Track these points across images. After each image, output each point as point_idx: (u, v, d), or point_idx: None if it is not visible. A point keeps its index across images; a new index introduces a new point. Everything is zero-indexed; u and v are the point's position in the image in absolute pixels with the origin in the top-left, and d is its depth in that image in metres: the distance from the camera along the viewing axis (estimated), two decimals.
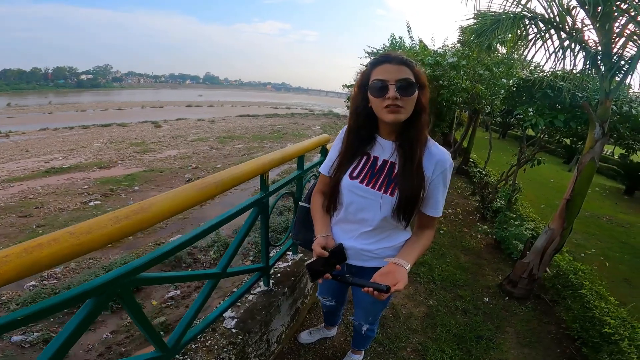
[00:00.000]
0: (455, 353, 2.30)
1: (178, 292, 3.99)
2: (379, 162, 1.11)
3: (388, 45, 9.77)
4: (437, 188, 1.09)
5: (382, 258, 1.19)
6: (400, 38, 9.60)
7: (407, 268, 1.05)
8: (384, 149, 1.10)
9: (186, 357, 1.25)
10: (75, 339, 0.73)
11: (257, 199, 1.29)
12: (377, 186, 1.09)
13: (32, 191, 8.05)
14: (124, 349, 2.99)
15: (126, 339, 3.12)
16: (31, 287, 3.97)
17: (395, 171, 1.08)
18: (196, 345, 1.31)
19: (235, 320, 1.45)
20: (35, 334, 3.08)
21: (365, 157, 1.13)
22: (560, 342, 2.62)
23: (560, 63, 2.71)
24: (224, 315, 1.47)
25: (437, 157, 1.07)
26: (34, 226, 6.06)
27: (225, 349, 1.31)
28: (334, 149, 1.22)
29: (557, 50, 2.69)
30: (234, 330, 1.41)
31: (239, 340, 1.37)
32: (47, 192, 8.03)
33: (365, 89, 1.03)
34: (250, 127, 20.68)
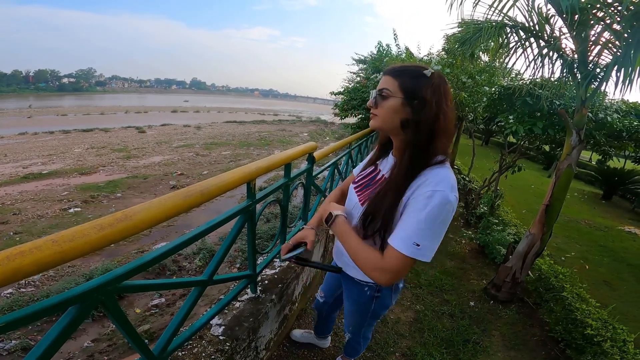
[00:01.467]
0: (444, 357, 2.34)
1: (163, 300, 3.93)
2: (379, 175, 1.13)
3: (375, 52, 9.93)
4: (405, 213, 0.92)
5: (355, 268, 1.17)
6: (387, 45, 9.78)
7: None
8: (387, 165, 1.12)
9: None
10: (56, 348, 0.71)
11: (244, 207, 1.29)
12: (361, 195, 1.12)
13: (9, 197, 7.79)
14: (106, 357, 2.93)
15: (108, 347, 3.06)
16: (8, 295, 3.88)
17: (372, 187, 1.10)
18: (183, 352, 1.29)
19: (223, 327, 1.43)
20: (13, 341, 3.02)
21: (373, 168, 1.18)
22: (544, 345, 2.68)
23: (539, 71, 2.80)
24: (211, 322, 1.44)
25: (422, 181, 0.92)
26: (11, 233, 5.87)
27: (212, 357, 1.29)
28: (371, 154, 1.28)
29: (536, 58, 2.78)
30: (221, 338, 1.39)
31: (227, 348, 1.35)
32: (25, 198, 7.77)
33: None
34: (237, 133, 20.57)
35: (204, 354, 1.31)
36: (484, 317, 2.93)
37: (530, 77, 3.05)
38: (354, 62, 11.65)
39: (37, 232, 5.92)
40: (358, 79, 10.28)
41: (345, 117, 9.40)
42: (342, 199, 1.31)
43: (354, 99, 8.27)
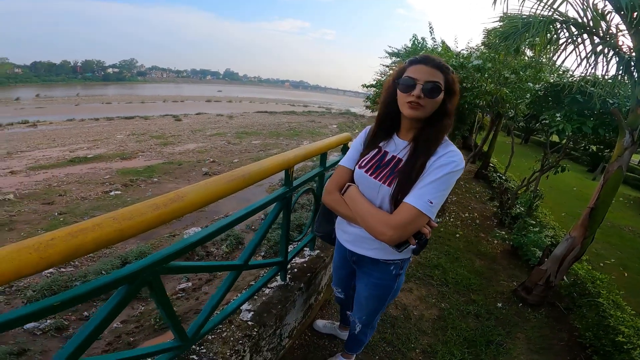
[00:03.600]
0: (465, 356, 2.30)
1: (189, 284, 4.04)
2: (387, 157, 1.17)
3: (410, 46, 9.66)
4: (423, 178, 1.04)
5: (379, 249, 1.24)
6: (423, 39, 9.48)
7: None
8: (397, 147, 1.17)
9: (202, 347, 1.28)
10: (106, 325, 0.77)
11: (281, 194, 1.32)
12: (379, 177, 1.14)
13: (56, 179, 8.32)
14: (132, 339, 3.03)
15: (135, 329, 3.17)
16: (48, 275, 4.03)
17: (399, 166, 1.12)
18: (212, 336, 1.34)
19: (252, 313, 1.48)
20: (47, 321, 3.12)
21: (376, 150, 1.21)
22: (570, 350, 2.59)
23: (592, 68, 2.66)
24: (240, 307, 1.49)
25: (441, 154, 1.05)
26: (56, 213, 6.22)
27: (240, 341, 1.34)
28: (354, 145, 1.30)
29: (589, 55, 2.63)
30: (250, 323, 1.43)
31: (254, 333, 1.39)
32: (71, 180, 8.29)
33: (397, 81, 1.09)
34: (267, 123, 20.85)
35: (232, 339, 1.35)
36: (511, 319, 2.85)
37: (581, 75, 2.86)
38: (387, 55, 11.40)
39: (80, 213, 6.28)
40: (391, 72, 10.04)
41: (376, 110, 9.25)
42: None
43: None
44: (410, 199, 1.02)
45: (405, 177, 1.06)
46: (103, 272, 4.05)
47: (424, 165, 1.05)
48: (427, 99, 1.02)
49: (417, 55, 1.13)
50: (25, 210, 6.34)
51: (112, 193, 7.48)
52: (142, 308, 3.48)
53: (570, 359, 2.51)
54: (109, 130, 16.72)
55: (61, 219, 6.00)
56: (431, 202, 1.01)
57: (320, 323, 2.22)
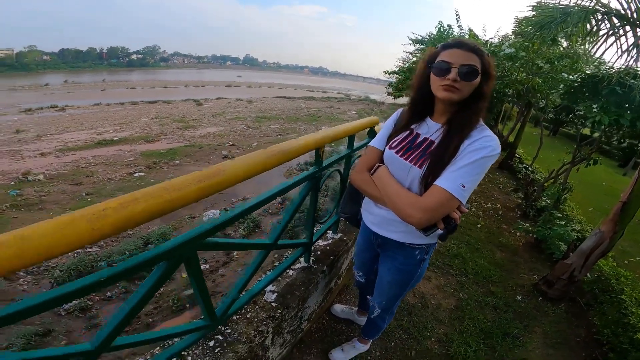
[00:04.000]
0: (480, 347, 2.29)
1: (207, 266, 4.10)
2: (419, 139, 1.16)
3: (435, 33, 9.35)
4: (456, 161, 1.02)
5: (405, 232, 1.23)
6: (449, 26, 9.15)
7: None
8: (429, 129, 1.15)
9: (227, 327, 1.30)
10: (147, 300, 0.80)
11: (312, 173, 1.32)
12: (409, 159, 1.13)
13: (84, 161, 8.67)
14: (151, 320, 3.13)
15: (154, 310, 3.26)
16: (75, 255, 4.12)
17: (431, 148, 1.10)
18: (237, 317, 1.36)
19: (276, 294, 1.51)
20: (73, 301, 3.14)
21: (407, 132, 1.20)
22: (587, 346, 2.55)
23: (633, 61, 2.58)
24: (264, 289, 1.51)
25: (477, 138, 1.03)
26: (84, 194, 6.50)
27: (264, 322, 1.36)
28: (385, 126, 1.29)
29: (631, 47, 2.56)
30: (274, 304, 1.46)
31: (278, 315, 1.41)
32: (98, 162, 8.62)
33: (430, 66, 1.08)
34: (285, 108, 20.86)
35: (256, 319, 1.37)
36: (529, 312, 2.81)
37: (622, 66, 2.73)
38: (410, 42, 11.07)
39: (106, 194, 6.52)
40: (414, 59, 9.79)
41: (399, 97, 9.09)
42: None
43: (409, 79, 7.94)
44: (441, 182, 1.00)
45: (437, 159, 1.05)
46: (127, 252, 4.18)
47: (457, 148, 1.03)
48: (464, 82, 1.01)
49: (450, 40, 1.10)
50: (55, 191, 6.65)
51: (136, 174, 7.74)
52: (161, 289, 3.58)
53: (586, 355, 2.47)
54: (133, 114, 17.17)
55: (89, 200, 6.26)
56: (463, 186, 0.99)
57: (338, 308, 2.24)
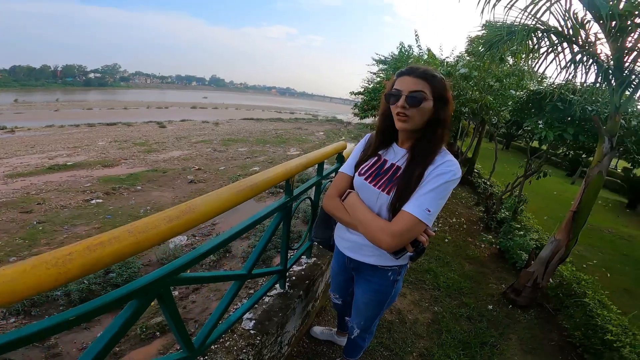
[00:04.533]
0: (461, 358, 2.34)
1: (176, 292, 3.93)
2: (387, 165, 1.20)
3: (397, 53, 9.86)
4: (421, 187, 1.06)
5: (378, 255, 1.26)
6: (409, 46, 9.71)
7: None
8: (396, 155, 1.19)
9: (206, 358, 1.27)
10: (118, 340, 0.75)
11: (282, 204, 1.33)
12: (378, 185, 1.16)
13: (34, 187, 8.01)
14: (118, 349, 2.93)
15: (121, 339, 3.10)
16: None
17: (398, 174, 1.14)
18: (216, 346, 1.33)
19: (254, 321, 1.48)
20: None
21: (376, 158, 1.23)
22: (562, 350, 2.66)
23: (571, 76, 2.74)
24: (242, 317, 1.48)
25: (439, 163, 1.08)
26: (35, 222, 5.98)
27: (244, 350, 1.33)
28: (354, 153, 1.33)
29: (569, 63, 2.71)
30: (252, 332, 1.43)
31: (258, 342, 1.39)
32: (50, 188, 8.00)
33: (387, 95, 1.13)
34: (253, 130, 20.75)
35: (235, 348, 1.34)
36: (502, 320, 2.92)
37: (562, 82, 2.97)
38: (374, 62, 11.59)
39: (59, 222, 6.06)
40: (378, 79, 10.22)
41: (364, 117, 9.37)
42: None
43: (374, 99, 8.24)
44: (409, 207, 1.04)
45: (403, 186, 1.08)
46: (85, 281, 3.93)
47: (422, 175, 1.07)
48: (412, 109, 1.04)
49: (404, 65, 1.17)
50: (3, 219, 6.08)
51: (93, 201, 7.26)
52: None
53: (562, 358, 2.58)
54: (90, 136, 16.28)
55: (40, 228, 5.79)
56: (429, 211, 1.03)
57: (317, 330, 2.22)
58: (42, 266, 0.55)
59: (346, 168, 1.30)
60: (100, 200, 7.32)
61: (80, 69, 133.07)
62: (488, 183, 7.38)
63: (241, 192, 0.97)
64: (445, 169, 1.06)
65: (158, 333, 3.05)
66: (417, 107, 1.04)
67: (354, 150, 1.35)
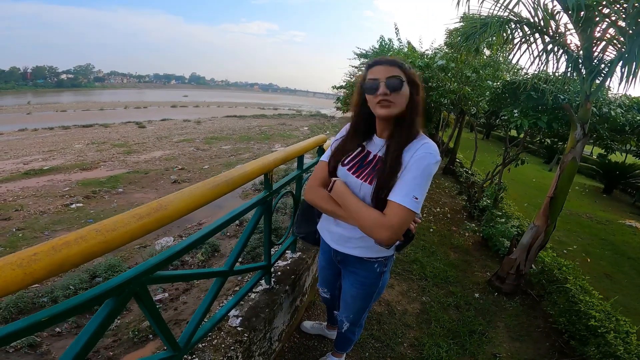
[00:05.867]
0: (451, 347, 2.37)
1: (166, 294, 3.92)
2: (370, 157, 1.20)
3: (377, 46, 9.90)
4: (404, 175, 1.07)
5: (364, 247, 1.26)
6: (389, 40, 9.76)
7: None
8: (376, 145, 1.20)
9: (194, 356, 1.25)
10: (95, 341, 0.73)
11: (262, 198, 1.31)
12: (361, 176, 1.17)
13: (11, 194, 7.76)
14: (112, 353, 2.94)
15: (113, 343, 3.06)
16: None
17: (376, 164, 1.16)
18: (203, 344, 1.31)
19: (240, 318, 1.46)
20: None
21: (359, 149, 1.24)
22: (548, 336, 2.72)
23: (543, 66, 2.81)
24: (228, 314, 1.46)
25: (417, 148, 1.09)
26: (14, 229, 5.84)
27: (232, 347, 1.32)
28: (335, 141, 1.31)
29: (540, 53, 2.79)
30: (239, 329, 1.41)
31: (245, 338, 1.37)
32: (27, 194, 7.75)
33: (362, 89, 1.13)
34: (237, 128, 20.51)
35: (223, 345, 1.33)
36: (489, 308, 2.97)
37: (535, 72, 3.05)
38: (356, 56, 11.59)
39: (39, 228, 5.91)
40: (360, 72, 10.23)
41: (347, 111, 9.39)
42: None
43: None
44: (397, 198, 1.04)
45: (383, 175, 1.09)
46: (71, 286, 3.88)
47: (400, 162, 1.08)
48: (394, 94, 1.06)
49: (370, 60, 1.18)
50: None
51: (73, 206, 7.07)
52: (118, 322, 3.34)
53: (549, 344, 2.62)
54: (65, 139, 15.71)
55: (20, 235, 5.65)
56: (416, 198, 1.04)
57: (307, 324, 2.22)
58: (7, 267, 0.53)
59: (327, 157, 1.29)
60: (81, 205, 7.13)
61: (52, 70, 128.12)
62: (470, 172, 7.53)
63: (216, 187, 0.95)
64: (424, 153, 1.07)
65: (151, 336, 3.04)
66: (398, 91, 1.06)
67: (334, 139, 1.34)
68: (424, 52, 7.67)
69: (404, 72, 1.08)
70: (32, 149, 13.31)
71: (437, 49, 7.49)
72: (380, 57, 1.15)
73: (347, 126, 1.32)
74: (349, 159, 1.22)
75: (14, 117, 26.82)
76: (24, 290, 3.81)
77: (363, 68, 1.25)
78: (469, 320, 2.73)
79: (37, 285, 4.04)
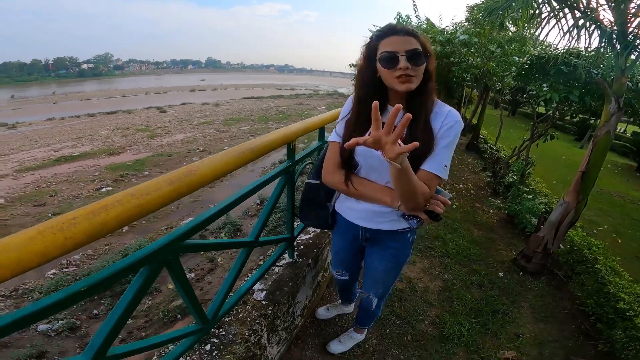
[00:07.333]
0: (472, 326, 2.35)
1: (192, 275, 4.03)
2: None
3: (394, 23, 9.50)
4: (439, 143, 1.07)
5: (395, 220, 1.23)
6: (407, 17, 9.38)
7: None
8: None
9: (221, 330, 1.28)
10: (132, 310, 0.76)
11: (285, 168, 1.32)
12: None
13: (44, 180, 8.17)
14: (144, 334, 3.04)
15: (145, 324, 3.19)
16: (52, 275, 4.03)
17: (404, 135, 1.06)
18: (229, 318, 1.35)
19: (265, 292, 1.49)
20: (59, 322, 3.13)
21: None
22: (574, 318, 2.64)
23: (574, 41, 2.71)
24: (253, 288, 1.49)
25: (445, 115, 1.08)
26: (50, 214, 6.13)
27: (257, 321, 1.35)
28: (343, 119, 1.21)
29: (571, 28, 2.68)
30: (264, 302, 1.44)
31: (270, 312, 1.40)
32: (60, 180, 8.14)
33: (373, 60, 1.05)
34: (255, 109, 20.56)
35: (249, 319, 1.35)
36: (513, 288, 2.91)
37: (565, 47, 2.91)
38: (372, 34, 11.17)
39: None
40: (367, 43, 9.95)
41: None
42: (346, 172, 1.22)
43: None
44: (431, 167, 1.05)
45: (418, 149, 1.01)
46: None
47: (428, 124, 1.07)
48: (415, 68, 1.00)
49: (382, 28, 1.06)
50: (18, 214, 6.24)
51: (103, 190, 7.38)
52: (150, 302, 3.48)
53: (575, 327, 2.55)
54: (91, 126, 16.30)
55: None
56: (446, 166, 1.06)
57: (321, 310, 2.16)
58: (48, 231, 0.55)
59: (336, 137, 1.21)
60: (110, 188, 7.43)
61: (72, 60, 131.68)
62: (494, 148, 7.29)
63: (242, 154, 0.97)
64: (452, 121, 1.07)
65: (179, 316, 3.15)
66: (419, 65, 1.00)
67: (341, 116, 1.25)
68: (444, 29, 7.34)
69: (420, 43, 1.02)
70: (61, 137, 13.90)
71: (457, 24, 7.16)
72: (393, 25, 1.05)
73: (350, 101, 1.22)
74: (366, 135, 1.16)
75: (42, 108, 27.98)
76: (62, 275, 4.00)
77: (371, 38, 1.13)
78: (492, 299, 2.69)
79: (74, 268, 4.31)
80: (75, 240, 0.56)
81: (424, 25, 8.13)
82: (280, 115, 17.44)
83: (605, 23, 2.60)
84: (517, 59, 5.33)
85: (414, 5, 8.87)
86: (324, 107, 20.61)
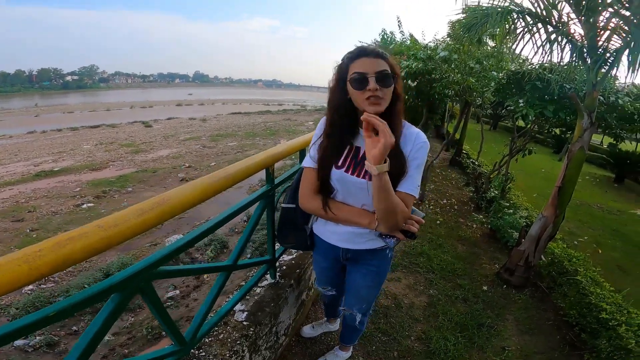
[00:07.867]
0: (458, 340, 2.36)
1: (177, 292, 3.96)
2: (361, 152, 1.15)
3: (379, 40, 9.81)
4: (411, 165, 1.11)
5: (374, 239, 1.25)
6: (391, 33, 9.68)
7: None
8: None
9: (201, 351, 1.27)
10: (102, 336, 0.75)
11: (264, 192, 1.33)
12: (361, 174, 1.13)
13: (23, 195, 7.91)
14: (126, 351, 2.95)
15: (128, 341, 3.08)
16: (29, 292, 3.87)
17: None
18: (210, 339, 1.33)
19: (246, 313, 1.48)
20: (37, 337, 3.03)
21: (348, 147, 1.17)
22: (559, 329, 2.67)
23: (547, 56, 2.79)
24: (234, 309, 1.48)
25: (413, 137, 1.13)
26: (28, 230, 5.96)
27: (238, 342, 1.33)
28: (316, 144, 1.21)
29: (544, 43, 2.77)
30: (245, 323, 1.43)
31: (251, 333, 1.39)
32: (39, 195, 7.90)
33: (344, 82, 1.07)
34: (242, 124, 20.58)
35: (229, 340, 1.34)
36: (498, 301, 2.94)
37: (540, 62, 3.02)
38: (343, 56, 11.46)
39: (52, 228, 6.02)
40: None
41: None
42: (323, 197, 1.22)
43: None
44: (407, 189, 1.10)
45: (394, 171, 1.04)
46: (86, 285, 3.97)
47: (399, 149, 1.09)
48: (384, 89, 1.01)
49: (352, 50, 1.07)
50: None
51: (84, 206, 7.18)
52: (132, 319, 3.39)
53: (560, 337, 2.58)
54: (74, 140, 15.96)
55: (34, 235, 5.75)
56: (418, 186, 1.12)
57: (307, 329, 2.14)
58: (14, 263, 0.55)
59: (310, 162, 1.20)
60: (92, 204, 7.23)
61: (57, 72, 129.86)
62: (476, 163, 7.46)
63: (216, 182, 0.96)
64: (421, 142, 1.13)
65: (164, 333, 3.07)
66: (388, 86, 1.02)
67: (313, 139, 1.24)
68: (426, 44, 7.59)
69: (389, 65, 1.04)
70: (41, 151, 13.55)
71: (439, 40, 7.42)
72: (364, 47, 1.06)
73: (322, 125, 1.22)
74: (342, 160, 1.16)
75: (23, 120, 27.32)
76: (40, 291, 3.91)
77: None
78: (477, 313, 2.71)
79: (52, 285, 4.17)
80: (41, 271, 0.56)
81: (407, 42, 8.39)
82: (267, 131, 17.48)
83: (577, 37, 2.70)
84: (495, 74, 5.52)
85: (398, 21, 9.18)
86: (311, 123, 20.77)
